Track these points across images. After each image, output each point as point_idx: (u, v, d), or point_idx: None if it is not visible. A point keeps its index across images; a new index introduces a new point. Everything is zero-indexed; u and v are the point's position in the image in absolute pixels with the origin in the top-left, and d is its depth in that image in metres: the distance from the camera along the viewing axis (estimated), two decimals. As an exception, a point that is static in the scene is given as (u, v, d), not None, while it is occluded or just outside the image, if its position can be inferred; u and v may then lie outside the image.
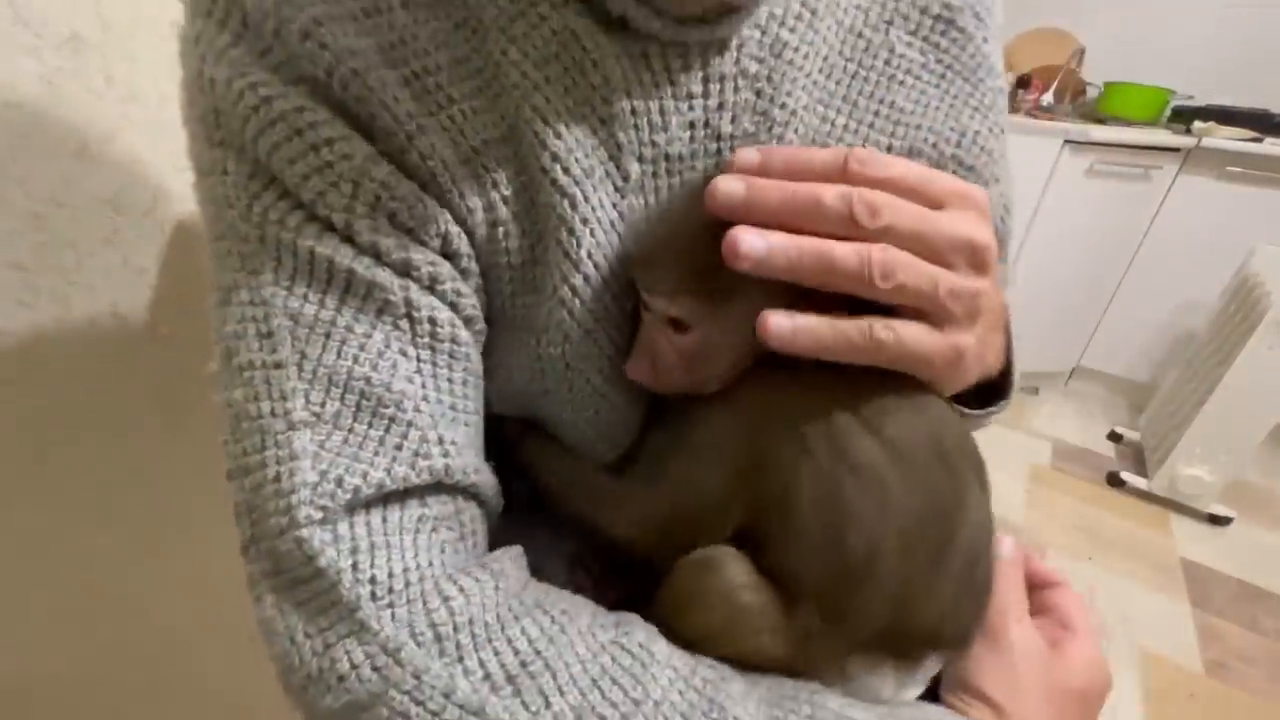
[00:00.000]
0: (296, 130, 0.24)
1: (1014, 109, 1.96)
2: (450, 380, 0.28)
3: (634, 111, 0.28)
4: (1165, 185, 1.74)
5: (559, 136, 0.27)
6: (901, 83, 0.32)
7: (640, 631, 0.26)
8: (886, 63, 0.32)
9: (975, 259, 0.26)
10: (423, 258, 0.26)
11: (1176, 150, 1.68)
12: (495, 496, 0.30)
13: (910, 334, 0.25)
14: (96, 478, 0.52)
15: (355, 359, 0.25)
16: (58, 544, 0.52)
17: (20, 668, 0.53)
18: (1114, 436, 1.81)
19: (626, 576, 0.32)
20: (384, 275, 0.26)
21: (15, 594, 0.50)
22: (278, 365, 0.25)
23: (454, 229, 0.27)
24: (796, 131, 0.30)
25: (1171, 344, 1.87)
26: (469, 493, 0.28)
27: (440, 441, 0.26)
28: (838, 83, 0.32)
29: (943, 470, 0.26)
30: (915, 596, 0.25)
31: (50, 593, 0.53)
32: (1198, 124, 1.68)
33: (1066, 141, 1.62)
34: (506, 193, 0.28)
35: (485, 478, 0.29)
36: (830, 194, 0.24)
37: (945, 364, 0.26)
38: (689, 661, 0.25)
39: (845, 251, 0.23)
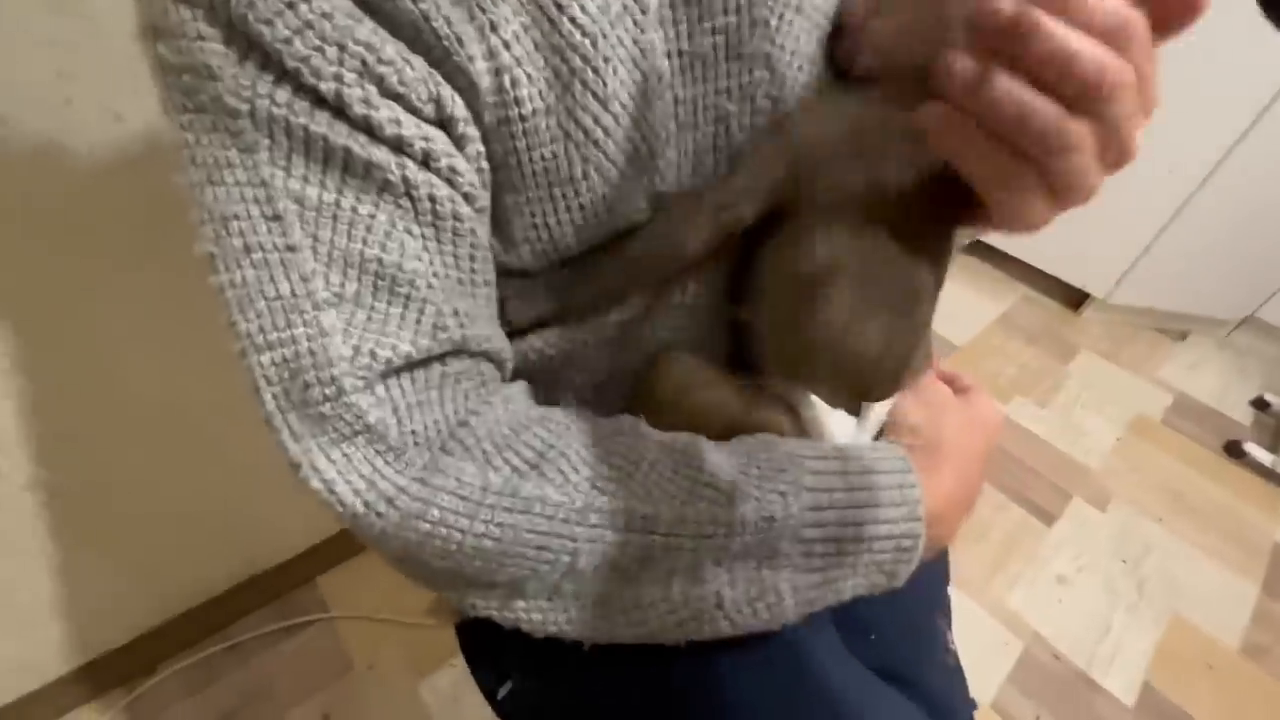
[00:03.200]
0: None
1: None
2: (456, 256, 0.29)
3: None
4: None
5: None
6: None
7: (628, 419, 0.32)
8: None
9: None
10: (415, 131, 0.26)
11: None
12: (510, 359, 0.33)
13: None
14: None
15: (365, 241, 0.26)
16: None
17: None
18: (1259, 403, 1.56)
19: None
20: (380, 154, 0.25)
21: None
22: (291, 248, 0.25)
23: (446, 91, 0.26)
24: None
25: (1390, 310, 1.51)
26: (485, 356, 0.31)
27: (455, 314, 0.29)
28: None
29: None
30: (859, 328, 0.29)
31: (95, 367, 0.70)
32: None
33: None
34: (507, 35, 0.26)
35: (498, 343, 0.32)
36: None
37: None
38: (670, 434, 0.32)
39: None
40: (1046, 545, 1.22)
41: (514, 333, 0.36)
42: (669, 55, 0.29)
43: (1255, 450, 1.39)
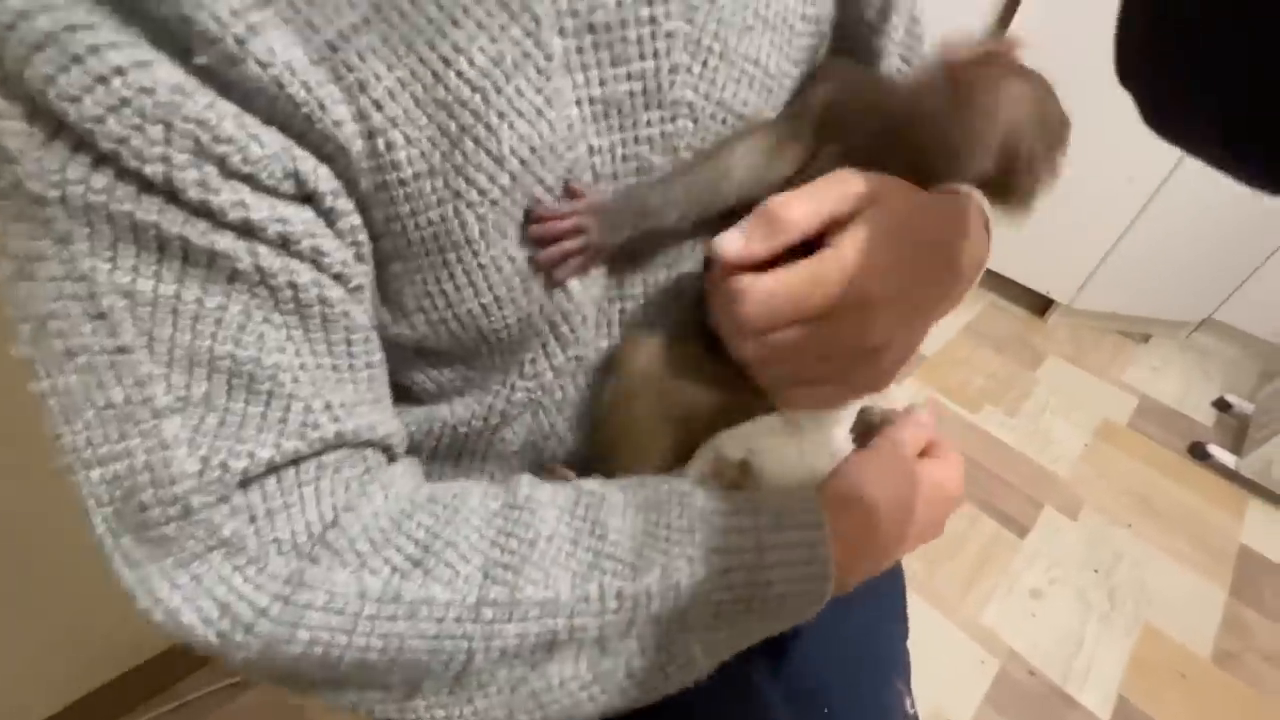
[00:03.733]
0: (74, 56, 0.19)
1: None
2: (329, 344, 0.26)
3: None
4: None
5: (457, 23, 0.24)
6: None
7: (525, 486, 0.29)
8: None
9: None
10: (268, 214, 0.23)
11: None
12: (402, 442, 0.30)
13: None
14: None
15: (214, 337, 0.23)
16: None
17: None
18: (1221, 404, 1.59)
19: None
20: (225, 241, 0.22)
21: None
22: (122, 350, 0.22)
23: (308, 164, 0.23)
24: None
25: (1341, 310, 1.55)
26: (369, 445, 0.28)
27: (328, 408, 0.25)
28: None
29: None
30: None
31: None
32: None
33: None
34: (378, 94, 0.23)
35: (384, 429, 0.28)
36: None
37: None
38: (571, 495, 0.29)
39: None
40: (1020, 558, 1.21)
41: (423, 402, 0.33)
42: (579, 102, 0.27)
43: (1218, 452, 1.41)
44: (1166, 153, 1.45)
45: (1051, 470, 1.39)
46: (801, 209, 0.26)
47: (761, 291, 0.26)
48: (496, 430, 0.33)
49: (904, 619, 0.45)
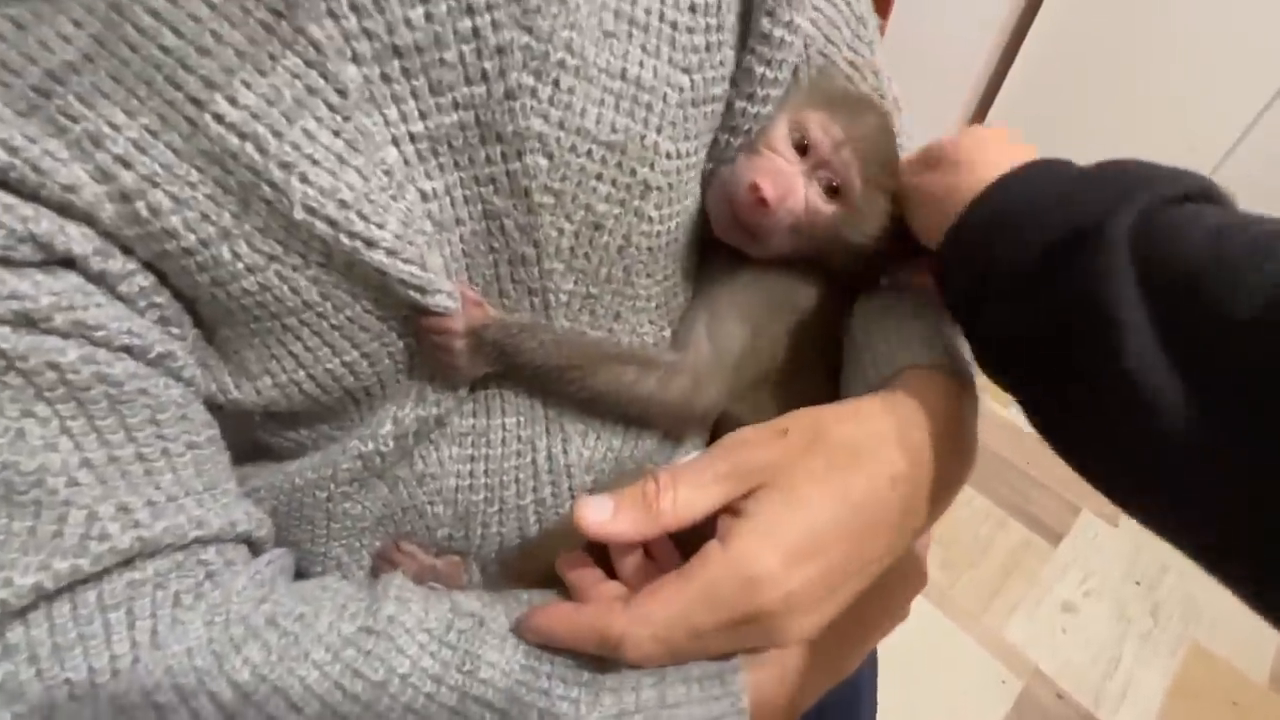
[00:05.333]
0: None
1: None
2: (125, 429, 0.22)
3: None
4: None
5: (207, 51, 0.19)
6: None
7: (390, 605, 0.24)
8: None
9: None
10: None
11: None
12: (261, 526, 0.26)
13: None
14: None
15: None
16: None
17: None
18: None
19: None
20: None
21: None
22: None
23: (50, 224, 0.19)
24: None
25: None
26: (203, 543, 0.24)
27: (124, 511, 0.21)
28: None
29: None
30: None
31: None
32: None
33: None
34: (119, 149, 0.19)
35: (227, 519, 0.24)
36: None
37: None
38: (445, 619, 0.25)
39: None
40: (1051, 567, 1.12)
41: (281, 459, 0.29)
42: (396, 141, 0.22)
43: (1285, 453, 1.28)
44: (1228, 123, 1.31)
45: (1091, 471, 1.28)
46: (684, 499, 0.22)
47: (643, 638, 0.21)
48: (336, 498, 0.29)
49: (867, 692, 0.39)
